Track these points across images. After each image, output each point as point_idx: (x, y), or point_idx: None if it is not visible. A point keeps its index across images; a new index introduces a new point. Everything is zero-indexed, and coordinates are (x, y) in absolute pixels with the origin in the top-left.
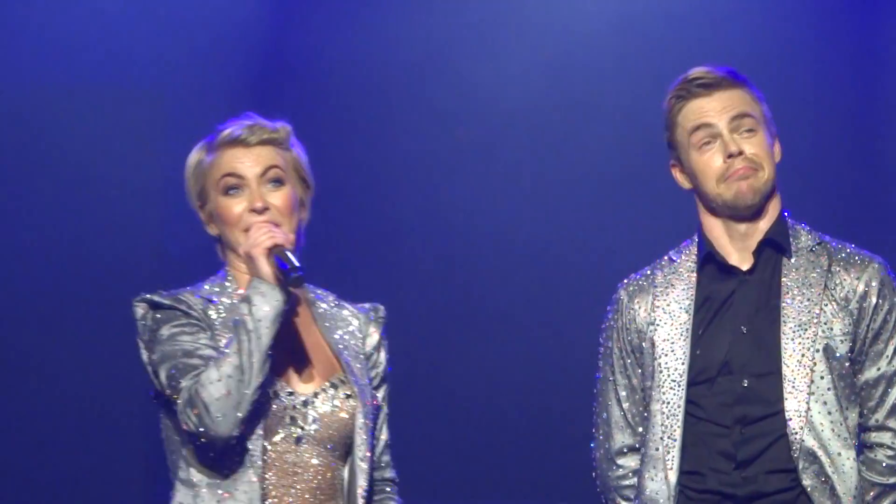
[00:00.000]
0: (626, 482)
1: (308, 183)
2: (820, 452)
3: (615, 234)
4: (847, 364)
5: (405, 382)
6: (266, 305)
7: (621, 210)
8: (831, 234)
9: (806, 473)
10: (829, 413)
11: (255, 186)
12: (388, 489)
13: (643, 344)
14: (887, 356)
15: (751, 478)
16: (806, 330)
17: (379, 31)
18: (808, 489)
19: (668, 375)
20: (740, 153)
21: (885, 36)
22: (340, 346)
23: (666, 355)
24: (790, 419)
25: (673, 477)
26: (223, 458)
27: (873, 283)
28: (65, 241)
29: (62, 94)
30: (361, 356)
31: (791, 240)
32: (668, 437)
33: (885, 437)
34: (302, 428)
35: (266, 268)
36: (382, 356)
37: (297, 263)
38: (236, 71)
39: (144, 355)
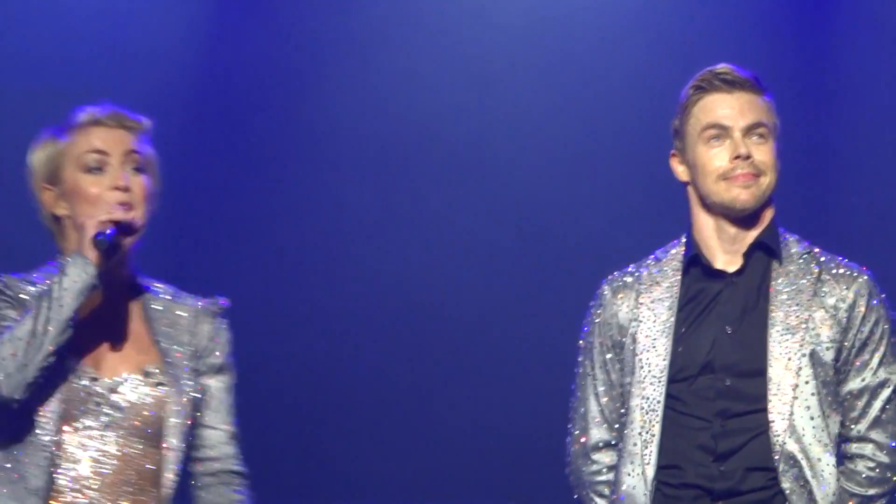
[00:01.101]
0: (601, 478)
1: (158, 182)
2: (800, 456)
3: (596, 230)
4: (832, 372)
5: (388, 385)
6: (75, 276)
7: (603, 205)
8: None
9: (785, 476)
10: (812, 418)
11: (117, 165)
12: (233, 481)
13: (624, 340)
14: (872, 367)
15: (729, 473)
16: (794, 334)
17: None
18: (787, 492)
19: (649, 371)
20: (748, 157)
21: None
22: (160, 336)
23: (647, 351)
24: (773, 420)
25: (650, 472)
26: (16, 439)
27: (862, 294)
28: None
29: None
30: (188, 347)
31: (782, 246)
32: (647, 433)
33: (867, 449)
34: (107, 415)
35: (87, 242)
36: (220, 346)
37: (108, 232)
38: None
39: None
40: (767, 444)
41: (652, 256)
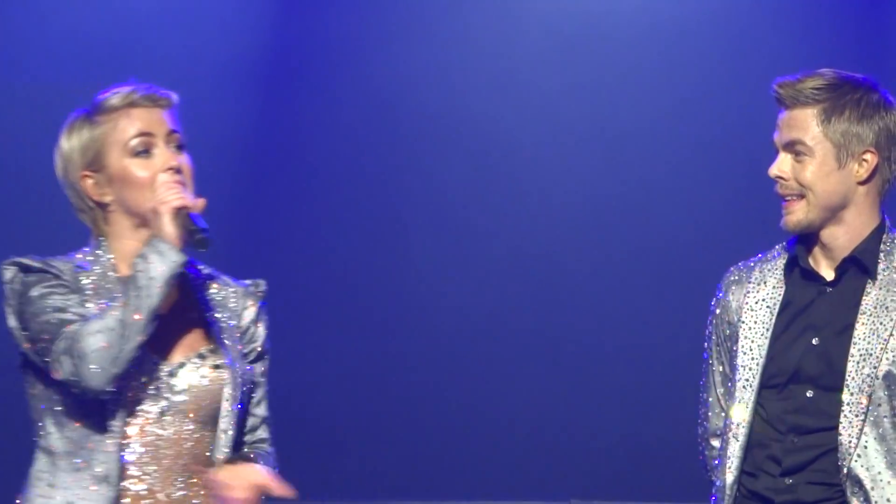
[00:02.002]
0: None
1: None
2: (866, 480)
3: (611, 228)
4: None
5: (402, 384)
6: (162, 265)
7: (627, 204)
8: None
9: (855, 497)
10: (885, 440)
11: (162, 146)
12: (262, 447)
13: (733, 336)
14: None
15: (793, 486)
16: (871, 354)
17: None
18: None
19: (743, 374)
20: (778, 177)
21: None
22: (212, 318)
23: (745, 353)
24: (841, 443)
25: (730, 477)
26: (84, 426)
27: None
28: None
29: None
30: (236, 330)
31: (883, 257)
32: (733, 436)
33: None
34: (167, 399)
35: (169, 227)
36: (260, 330)
37: (204, 225)
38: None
39: (12, 319)
40: (835, 464)
41: (774, 250)
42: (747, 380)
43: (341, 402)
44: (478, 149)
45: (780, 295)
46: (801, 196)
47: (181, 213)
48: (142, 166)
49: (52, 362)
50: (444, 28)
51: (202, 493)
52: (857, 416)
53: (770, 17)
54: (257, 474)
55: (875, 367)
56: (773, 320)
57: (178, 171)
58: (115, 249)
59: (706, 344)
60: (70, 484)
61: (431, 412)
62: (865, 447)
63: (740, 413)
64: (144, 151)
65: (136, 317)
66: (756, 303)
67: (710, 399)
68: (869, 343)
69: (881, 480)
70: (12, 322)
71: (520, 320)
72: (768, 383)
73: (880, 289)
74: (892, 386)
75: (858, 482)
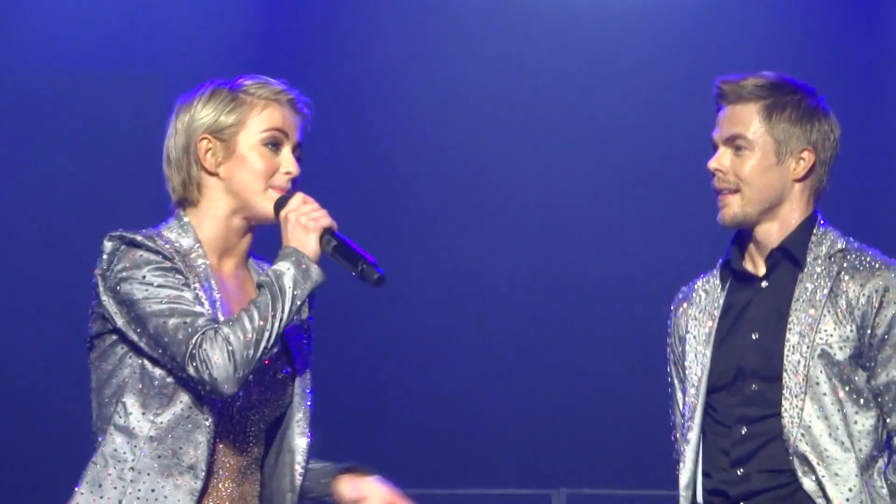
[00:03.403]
0: None
1: None
2: (813, 457)
3: (607, 230)
4: (849, 369)
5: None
6: (307, 283)
7: (622, 203)
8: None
9: (807, 478)
10: (827, 418)
11: (289, 150)
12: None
13: (684, 352)
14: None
15: (745, 476)
16: (804, 337)
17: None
18: (810, 492)
19: (691, 381)
20: (717, 170)
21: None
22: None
23: (692, 362)
24: (785, 425)
25: (683, 479)
26: (176, 413)
27: (877, 290)
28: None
29: (62, 81)
30: (303, 326)
31: (811, 247)
32: (684, 440)
33: None
34: (244, 395)
35: (315, 246)
36: (312, 321)
37: (372, 259)
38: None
39: (107, 293)
40: (783, 447)
41: (718, 263)
42: (694, 385)
43: (334, 394)
44: (473, 148)
45: (720, 301)
46: (737, 190)
47: (326, 233)
48: (265, 157)
49: (184, 357)
50: (440, 29)
51: (252, 496)
52: (796, 396)
53: (758, 22)
54: (382, 490)
55: (810, 348)
56: (716, 325)
57: (293, 179)
58: (200, 229)
59: (668, 368)
60: (155, 470)
61: (422, 403)
62: (809, 426)
63: (689, 417)
64: (274, 145)
65: (277, 326)
66: (699, 313)
67: (675, 415)
68: (802, 328)
69: (829, 456)
70: (105, 296)
71: (510, 312)
72: (717, 385)
73: (812, 276)
74: (827, 365)
75: (806, 461)
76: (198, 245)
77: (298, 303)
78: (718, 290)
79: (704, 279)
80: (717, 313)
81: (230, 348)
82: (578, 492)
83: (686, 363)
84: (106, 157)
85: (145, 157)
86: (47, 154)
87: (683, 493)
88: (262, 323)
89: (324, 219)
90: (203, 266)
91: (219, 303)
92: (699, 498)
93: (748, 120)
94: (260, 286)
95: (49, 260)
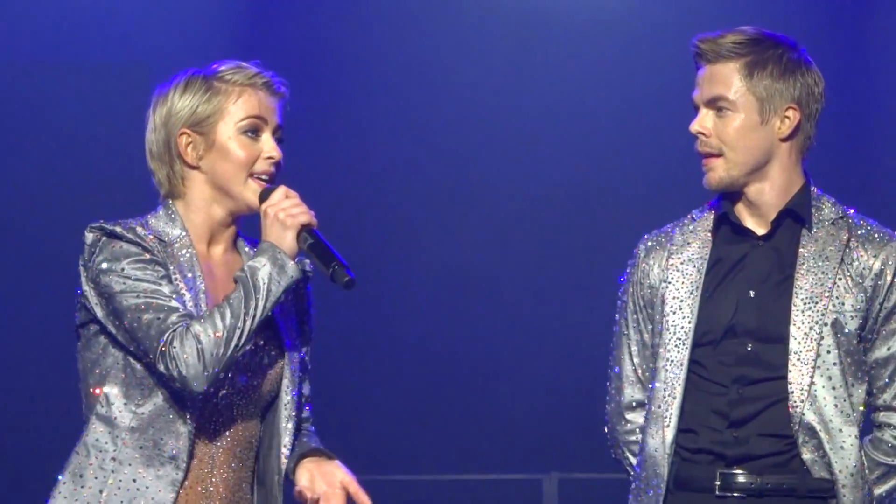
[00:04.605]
0: (634, 437)
1: None
2: (819, 427)
3: (626, 213)
4: (856, 341)
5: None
6: (283, 280)
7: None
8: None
9: (806, 447)
10: (834, 388)
11: (269, 134)
12: (306, 427)
13: (654, 300)
14: None
15: (742, 438)
16: (816, 303)
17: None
18: (807, 462)
19: (674, 334)
20: (698, 133)
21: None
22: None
23: (674, 313)
24: (792, 392)
25: (670, 435)
26: (157, 404)
27: (890, 262)
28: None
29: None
30: (295, 311)
31: (813, 211)
32: (669, 395)
33: (893, 418)
34: (230, 383)
35: (292, 242)
36: (311, 311)
37: (344, 261)
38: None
39: (88, 284)
40: (785, 413)
41: (689, 214)
42: (679, 339)
43: (324, 380)
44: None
45: (707, 254)
46: (720, 154)
47: (303, 230)
48: (245, 146)
49: (155, 353)
50: (430, 25)
51: (249, 478)
52: (805, 364)
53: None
54: (343, 474)
55: (822, 315)
56: (703, 278)
57: (276, 163)
58: (187, 219)
59: (617, 315)
60: (137, 460)
61: (413, 388)
62: (815, 395)
63: (674, 372)
64: (252, 132)
65: (249, 323)
66: (682, 263)
67: (625, 371)
68: (813, 292)
69: (833, 427)
70: (86, 286)
71: (500, 299)
72: (701, 340)
73: (817, 240)
74: (838, 333)
75: (811, 429)
76: (184, 234)
77: (273, 299)
78: (703, 241)
79: (680, 229)
80: (704, 266)
81: (200, 346)
82: (569, 476)
83: (665, 315)
84: (94, 147)
85: (134, 148)
86: (35, 145)
87: (668, 451)
88: (233, 321)
89: (302, 215)
90: (188, 255)
91: (202, 292)
92: (667, 450)
93: (728, 79)
94: (236, 281)
95: (36, 251)
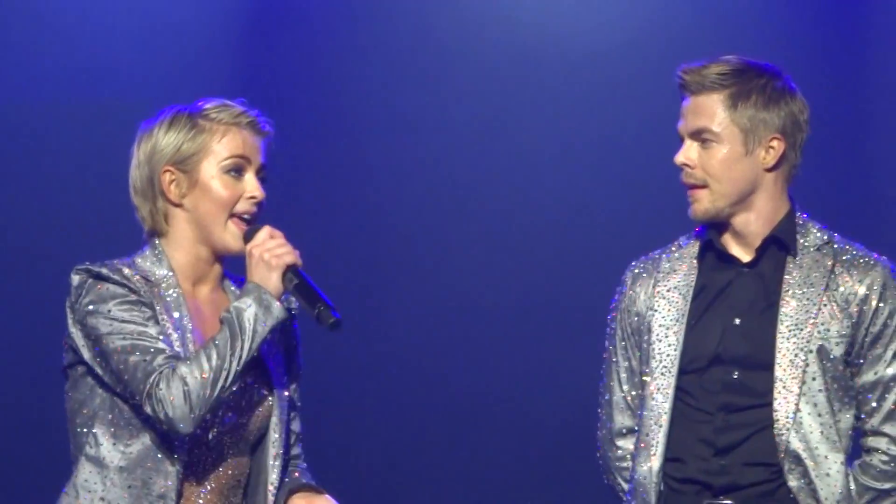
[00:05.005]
0: (626, 464)
1: None
2: (805, 455)
3: (621, 226)
4: (842, 367)
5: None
6: (269, 321)
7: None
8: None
9: (792, 475)
10: (819, 415)
11: (252, 174)
12: (296, 464)
13: (642, 328)
14: (885, 360)
15: (728, 467)
16: (801, 329)
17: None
18: (794, 490)
19: (661, 361)
20: (684, 164)
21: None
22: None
23: (660, 341)
24: (777, 419)
25: (657, 463)
26: (144, 443)
27: (875, 287)
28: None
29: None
30: (282, 349)
31: (798, 238)
32: (655, 424)
33: (881, 443)
34: (217, 422)
35: (277, 282)
36: (299, 347)
37: (330, 302)
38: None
39: (75, 326)
40: (771, 441)
41: (677, 242)
42: (666, 366)
43: (316, 414)
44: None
45: (692, 281)
46: (705, 185)
47: (288, 270)
48: (227, 185)
49: (142, 395)
50: (421, 33)
51: None
52: (790, 391)
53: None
54: None
55: (807, 342)
56: (688, 306)
57: (258, 203)
58: (173, 258)
59: (607, 343)
60: (125, 500)
61: (396, 421)
62: (801, 422)
63: (660, 401)
64: (236, 172)
65: (236, 364)
66: (668, 290)
67: (615, 398)
68: (798, 318)
69: (819, 454)
70: (73, 328)
71: (486, 328)
72: (688, 368)
73: (801, 266)
74: (824, 360)
75: (796, 457)
76: (171, 274)
77: (259, 339)
78: (688, 268)
79: (667, 256)
80: (690, 293)
81: (186, 388)
82: None
83: (651, 343)
84: (84, 186)
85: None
86: (25, 184)
87: (655, 480)
88: (219, 362)
89: (287, 255)
90: (175, 294)
91: (189, 332)
92: (654, 478)
93: (712, 111)
94: (221, 322)
95: (26, 290)
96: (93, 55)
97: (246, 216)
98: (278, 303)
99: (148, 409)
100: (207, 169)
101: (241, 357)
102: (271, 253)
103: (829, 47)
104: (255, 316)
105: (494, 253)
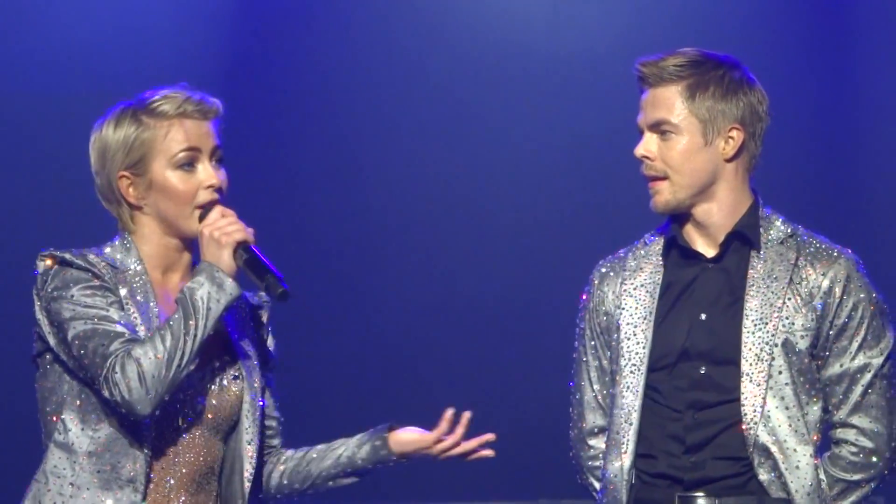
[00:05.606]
0: (598, 462)
1: None
2: (774, 448)
3: (591, 222)
4: (808, 359)
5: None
6: (222, 298)
7: (598, 196)
8: (806, 225)
9: (762, 468)
10: (787, 408)
11: (206, 161)
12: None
13: (611, 326)
14: (851, 352)
15: (699, 463)
16: (766, 324)
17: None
18: (764, 483)
19: (630, 360)
20: (644, 157)
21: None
22: (230, 327)
23: (629, 339)
24: (745, 413)
25: (627, 461)
26: (112, 427)
27: (839, 279)
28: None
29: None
30: (253, 337)
31: (762, 232)
32: (626, 422)
33: (850, 434)
34: (188, 408)
35: (229, 259)
36: (270, 340)
37: (279, 274)
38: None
39: (41, 312)
40: (740, 436)
41: (642, 239)
42: (634, 365)
43: (307, 405)
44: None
45: (659, 278)
46: (666, 177)
47: (241, 247)
48: (183, 180)
49: (100, 379)
50: (413, 31)
51: (212, 501)
52: (758, 385)
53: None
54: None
55: (773, 335)
56: (656, 303)
57: (218, 189)
58: (141, 251)
59: (576, 342)
60: (95, 485)
61: (399, 414)
62: (768, 416)
63: (630, 399)
64: (189, 165)
65: (191, 343)
66: (635, 289)
67: (585, 397)
68: (763, 313)
69: (787, 448)
70: (40, 314)
71: (489, 321)
72: (656, 366)
73: (766, 260)
74: (789, 353)
75: (765, 450)
76: (139, 263)
77: (214, 317)
78: (654, 265)
79: (633, 253)
80: (657, 291)
81: (141, 370)
82: (558, 503)
83: (620, 341)
84: (58, 175)
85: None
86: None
87: (625, 478)
88: (174, 342)
89: (238, 233)
90: (141, 281)
91: (156, 317)
92: (625, 475)
93: (671, 103)
94: (176, 303)
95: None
96: (85, 49)
97: (210, 205)
98: (231, 280)
99: (106, 393)
100: (159, 168)
101: (195, 336)
102: (221, 231)
103: (816, 47)
104: (207, 294)
105: (470, 254)
